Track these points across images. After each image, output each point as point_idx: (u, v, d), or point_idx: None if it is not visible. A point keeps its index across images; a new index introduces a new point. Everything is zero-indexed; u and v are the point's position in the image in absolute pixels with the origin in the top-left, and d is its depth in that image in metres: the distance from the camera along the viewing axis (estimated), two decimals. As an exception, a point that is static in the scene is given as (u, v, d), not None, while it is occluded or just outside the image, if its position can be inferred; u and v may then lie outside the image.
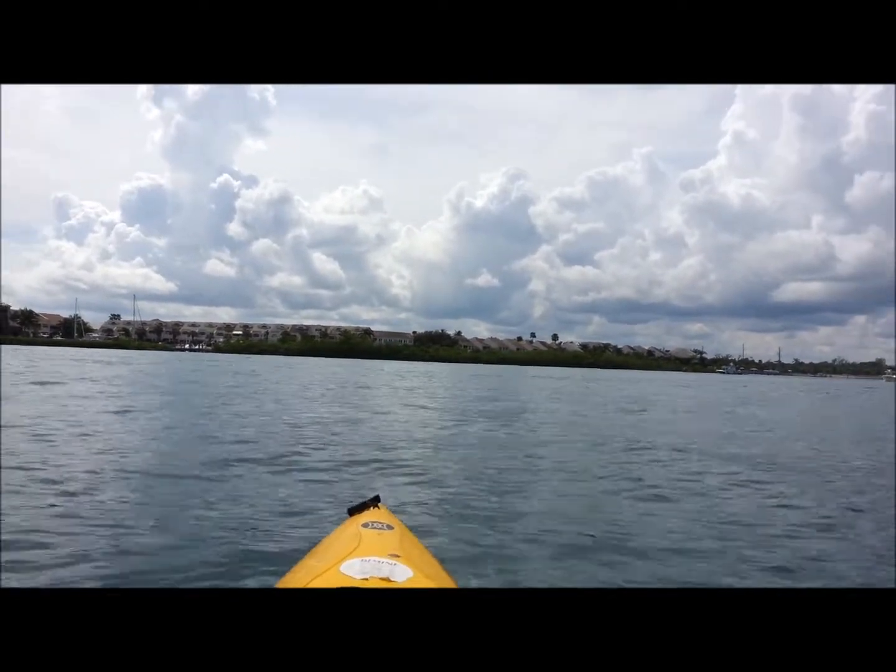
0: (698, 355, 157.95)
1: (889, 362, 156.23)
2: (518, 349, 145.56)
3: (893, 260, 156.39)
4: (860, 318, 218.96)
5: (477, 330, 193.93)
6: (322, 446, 8.53)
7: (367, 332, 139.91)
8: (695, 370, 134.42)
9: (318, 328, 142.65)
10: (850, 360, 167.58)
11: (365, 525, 2.16)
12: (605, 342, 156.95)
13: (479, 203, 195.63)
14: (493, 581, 3.71)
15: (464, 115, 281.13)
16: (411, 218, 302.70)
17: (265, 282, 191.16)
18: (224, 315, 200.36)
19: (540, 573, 3.92)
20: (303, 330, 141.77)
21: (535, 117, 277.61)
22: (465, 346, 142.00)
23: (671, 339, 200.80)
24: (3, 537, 4.02)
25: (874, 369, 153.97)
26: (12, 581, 3.45)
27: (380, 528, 2.15)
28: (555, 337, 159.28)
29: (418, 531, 3.05)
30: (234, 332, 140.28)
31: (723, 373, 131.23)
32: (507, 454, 8.63)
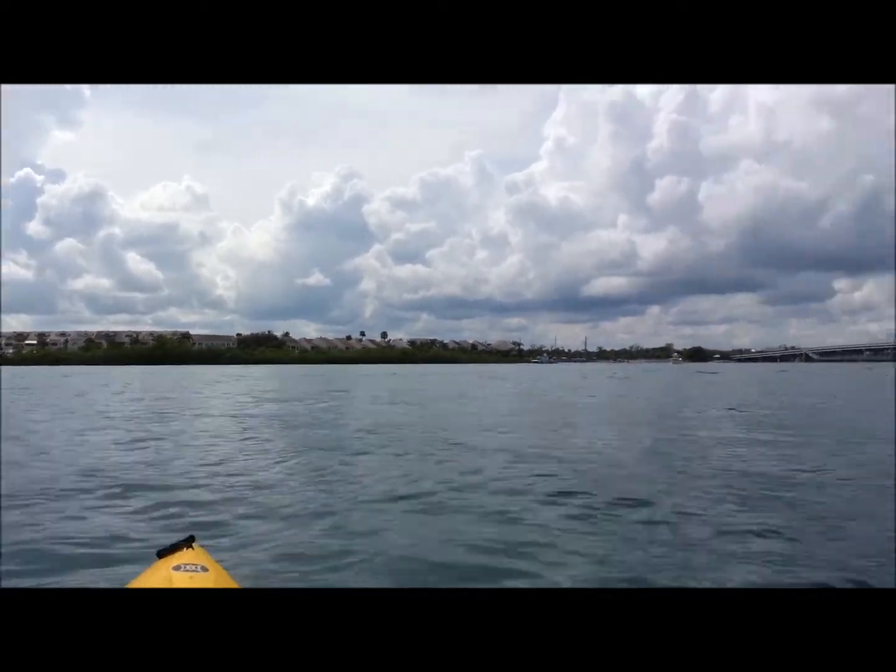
0: (517, 347, 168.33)
1: (677, 347, 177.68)
2: (347, 348, 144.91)
3: (684, 257, 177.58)
4: (655, 309, 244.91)
5: (307, 330, 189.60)
6: (114, 476, 7.14)
7: (186, 336, 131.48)
8: (514, 361, 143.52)
9: (129, 334, 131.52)
10: (645, 346, 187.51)
11: (176, 568, 2.07)
12: (432, 338, 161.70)
13: (311, 202, 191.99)
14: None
15: (297, 112, 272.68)
16: (240, 217, 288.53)
17: (68, 285, 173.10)
18: (16, 323, 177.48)
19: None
20: (110, 336, 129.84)
21: (371, 116, 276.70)
22: (293, 347, 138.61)
23: (493, 333, 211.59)
24: None
25: (664, 353, 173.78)
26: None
27: (193, 571, 2.04)
28: (384, 335, 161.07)
29: (236, 571, 2.89)
30: (27, 342, 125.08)
31: (537, 362, 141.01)
32: (319, 465, 7.99)
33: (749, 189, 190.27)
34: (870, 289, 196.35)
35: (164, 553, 2.25)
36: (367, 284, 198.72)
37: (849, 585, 3.58)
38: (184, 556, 2.20)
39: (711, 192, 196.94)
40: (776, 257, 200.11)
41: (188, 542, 2.30)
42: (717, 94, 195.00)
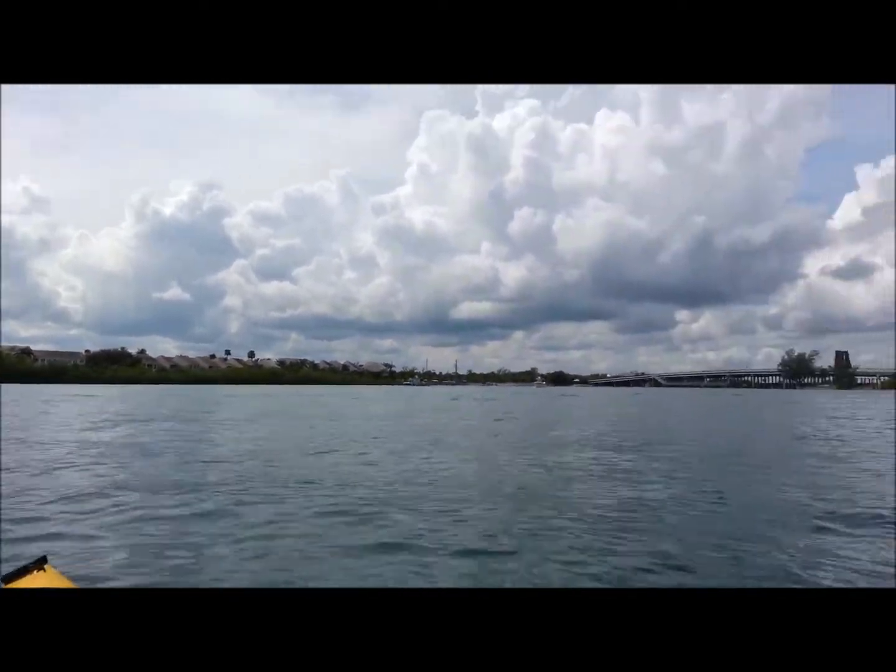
0: (388, 369, 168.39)
1: (540, 371, 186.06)
2: (211, 367, 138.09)
3: (543, 285, 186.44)
4: (519, 334, 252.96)
5: (166, 348, 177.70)
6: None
7: (26, 351, 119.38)
8: (386, 382, 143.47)
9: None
10: (511, 370, 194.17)
11: None
12: (302, 358, 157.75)
13: (167, 210, 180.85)
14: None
15: (150, 116, 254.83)
16: (86, 223, 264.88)
17: None
18: None
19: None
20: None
21: (230, 125, 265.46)
22: (150, 366, 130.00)
23: (365, 354, 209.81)
24: None
25: (529, 377, 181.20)
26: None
27: None
28: (251, 354, 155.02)
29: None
30: None
31: (409, 384, 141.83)
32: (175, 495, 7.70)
33: (597, 224, 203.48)
34: (706, 320, 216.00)
35: (10, 578, 2.00)
36: (231, 301, 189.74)
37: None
38: (35, 580, 1.97)
39: (564, 224, 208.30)
40: (624, 288, 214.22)
41: (39, 565, 2.06)
42: (566, 133, 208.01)
